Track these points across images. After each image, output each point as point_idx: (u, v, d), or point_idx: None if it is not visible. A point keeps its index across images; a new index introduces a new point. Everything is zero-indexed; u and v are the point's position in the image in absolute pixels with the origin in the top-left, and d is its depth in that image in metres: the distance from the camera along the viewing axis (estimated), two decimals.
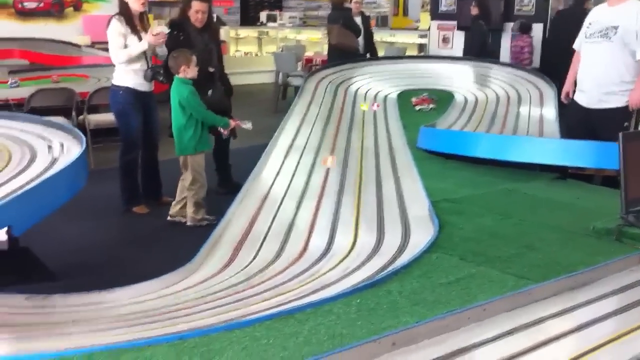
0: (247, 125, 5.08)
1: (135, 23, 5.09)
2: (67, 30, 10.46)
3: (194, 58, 4.90)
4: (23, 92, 6.77)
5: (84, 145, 3.71)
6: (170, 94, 4.94)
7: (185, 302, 2.75)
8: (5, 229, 3.09)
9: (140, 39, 5.06)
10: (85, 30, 10.72)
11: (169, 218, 5.10)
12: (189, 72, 4.85)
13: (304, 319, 2.22)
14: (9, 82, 7.19)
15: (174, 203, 5.13)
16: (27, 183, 3.31)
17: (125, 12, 5.05)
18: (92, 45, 10.04)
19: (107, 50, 5.31)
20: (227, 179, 5.91)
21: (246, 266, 3.33)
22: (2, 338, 2.55)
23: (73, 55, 9.29)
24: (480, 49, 8.97)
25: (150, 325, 2.45)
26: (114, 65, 5.20)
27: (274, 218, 3.89)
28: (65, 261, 4.18)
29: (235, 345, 2.03)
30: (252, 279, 3.09)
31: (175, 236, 4.81)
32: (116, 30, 5.04)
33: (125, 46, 5.04)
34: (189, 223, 4.98)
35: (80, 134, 3.92)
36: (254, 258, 3.44)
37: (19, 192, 3.14)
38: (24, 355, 2.08)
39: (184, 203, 5.07)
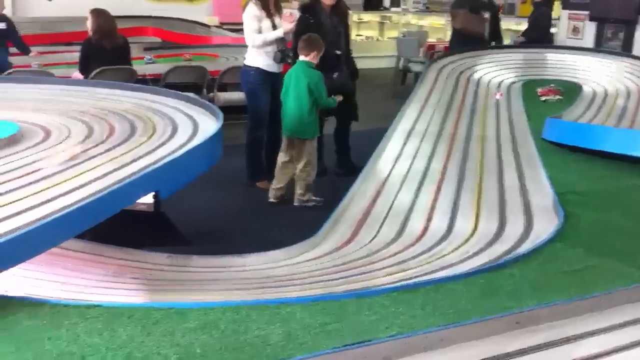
0: (339, 97, 5.20)
1: (270, 8, 5.31)
2: (197, 10, 10.93)
3: (321, 46, 5.03)
4: (158, 68, 7.22)
5: (221, 120, 3.96)
6: (290, 77, 5.04)
7: (313, 271, 2.94)
8: (152, 193, 3.39)
9: (273, 22, 5.29)
10: (215, 11, 11.20)
11: (270, 200, 5.16)
12: (312, 56, 4.99)
13: (429, 294, 2.35)
14: (145, 59, 7.67)
15: (275, 187, 5.17)
16: (171, 152, 3.58)
17: None
18: (221, 25, 10.50)
19: (234, 31, 5.59)
20: (345, 160, 6.06)
21: (368, 243, 3.49)
22: (148, 289, 2.84)
23: (202, 35, 9.75)
24: (544, 35, 8.73)
25: (284, 289, 2.65)
26: (242, 46, 5.46)
27: (394, 200, 4.02)
28: (195, 227, 4.48)
29: (366, 310, 2.19)
30: (374, 255, 3.24)
31: (288, 212, 5.00)
32: (252, 14, 5.29)
33: (260, 29, 5.28)
34: (296, 203, 5.08)
35: (218, 109, 4.18)
36: (375, 236, 3.59)
37: (165, 160, 3.41)
38: (176, 303, 2.31)
39: (286, 186, 5.15)
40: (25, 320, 2.03)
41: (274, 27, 5.31)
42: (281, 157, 5.17)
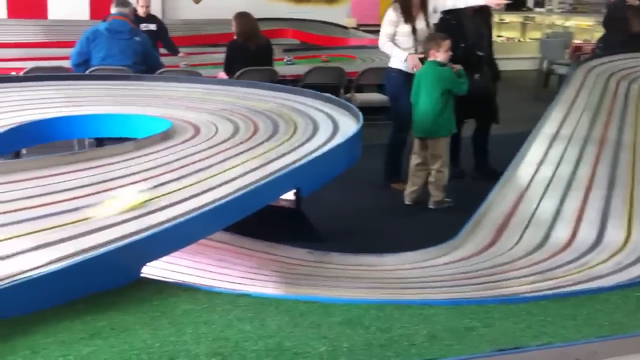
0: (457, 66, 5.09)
1: (411, 11, 5.27)
2: (336, 12, 11.07)
3: (446, 43, 5.00)
4: (297, 69, 7.40)
5: (361, 121, 4.00)
6: (420, 78, 5.06)
7: (454, 274, 2.91)
8: (294, 190, 3.48)
9: (414, 26, 5.25)
10: (353, 12, 11.32)
11: (406, 202, 5.17)
12: (439, 55, 4.96)
13: (580, 304, 2.25)
14: (284, 60, 7.89)
15: (410, 190, 5.16)
16: (313, 151, 3.67)
17: (402, 1, 5.27)
18: (358, 27, 10.59)
19: (372, 32, 5.63)
20: (483, 164, 5.93)
21: (510, 249, 3.40)
22: (289, 283, 2.91)
23: (340, 36, 9.89)
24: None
25: (425, 290, 2.64)
26: (379, 48, 5.49)
27: (537, 205, 3.89)
28: (330, 225, 4.54)
29: (512, 317, 2.13)
30: (517, 262, 3.15)
31: (422, 213, 4.95)
32: (388, 19, 5.32)
33: (394, 34, 5.27)
34: (431, 206, 5.05)
35: (357, 110, 4.22)
36: (517, 242, 3.48)
37: (307, 159, 3.50)
38: (321, 297, 2.36)
39: (419, 189, 5.14)
40: (182, 304, 2.15)
41: (414, 31, 5.28)
42: (414, 160, 5.17)
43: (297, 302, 2.24)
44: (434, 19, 5.41)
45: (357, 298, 2.32)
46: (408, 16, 5.28)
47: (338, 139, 3.85)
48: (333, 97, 4.92)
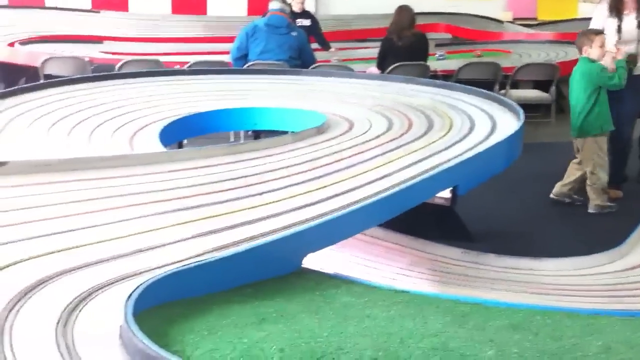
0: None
1: (620, 9, 5.00)
2: (491, 5, 10.76)
3: (599, 38, 4.73)
4: (449, 64, 7.28)
5: (522, 119, 3.87)
6: (573, 77, 4.87)
7: (623, 284, 2.74)
8: (450, 188, 3.43)
9: (619, 25, 4.97)
10: (509, 5, 10.96)
11: (551, 195, 5.01)
12: (591, 52, 4.73)
13: None
14: (436, 55, 7.77)
15: (560, 183, 4.98)
16: (470, 149, 3.59)
17: None
18: (513, 21, 10.25)
19: (528, 26, 5.40)
20: None
21: None
22: (445, 282, 2.87)
23: (494, 30, 9.60)
24: None
25: (592, 299, 2.51)
26: (537, 42, 5.28)
27: None
28: (483, 225, 4.42)
29: None
30: None
31: (582, 218, 4.71)
32: (597, 12, 5.10)
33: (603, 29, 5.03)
34: (591, 210, 4.80)
35: (519, 107, 4.08)
36: None
37: (465, 157, 3.43)
38: (483, 299, 2.30)
39: (571, 186, 4.93)
40: (343, 296, 2.18)
41: (619, 29, 5.00)
42: (575, 159, 4.98)
43: (458, 302, 2.20)
44: None
45: (520, 302, 2.25)
46: (616, 13, 5.03)
47: (497, 137, 3.75)
48: (492, 93, 4.80)
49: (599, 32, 4.82)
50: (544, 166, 5.48)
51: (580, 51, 4.84)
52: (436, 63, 7.31)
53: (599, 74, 4.73)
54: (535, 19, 9.91)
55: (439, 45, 8.56)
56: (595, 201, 4.80)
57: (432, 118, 4.25)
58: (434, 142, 3.75)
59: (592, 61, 4.77)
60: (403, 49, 6.40)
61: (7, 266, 2.01)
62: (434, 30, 9.70)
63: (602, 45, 4.76)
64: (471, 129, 3.97)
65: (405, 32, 6.42)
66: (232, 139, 6.43)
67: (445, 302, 2.19)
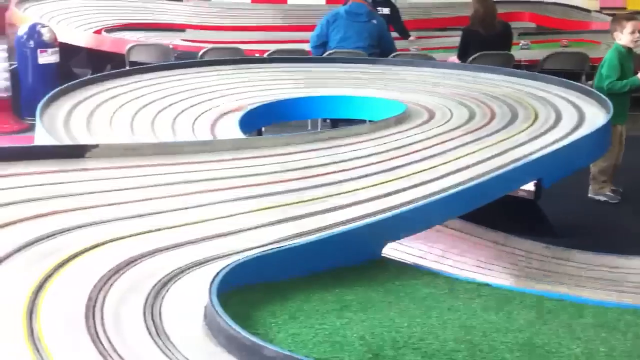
0: None
1: None
2: None
3: (631, 24, 4.57)
4: (534, 54, 7.09)
5: (612, 111, 3.72)
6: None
7: None
8: (535, 181, 3.34)
9: None
10: None
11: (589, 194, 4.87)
12: (622, 37, 4.63)
13: None
14: (520, 44, 7.58)
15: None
16: (556, 141, 3.48)
17: None
18: (601, 10, 9.86)
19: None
20: None
21: None
22: (526, 277, 2.80)
23: (581, 20, 9.29)
24: None
25: None
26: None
27: None
28: (565, 220, 4.29)
29: None
30: None
31: None
32: None
33: None
34: (589, 194, 4.79)
35: (606, 99, 3.93)
36: None
37: (550, 149, 3.33)
38: (569, 295, 2.24)
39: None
40: (423, 287, 2.16)
41: None
42: None
43: (542, 298, 2.14)
44: None
45: (608, 300, 2.17)
46: None
47: (584, 130, 3.63)
48: (579, 84, 4.64)
49: (632, 18, 4.64)
50: (634, 159, 5.26)
51: (613, 37, 4.69)
52: (520, 52, 7.13)
53: (606, 64, 4.64)
54: (624, 8, 9.49)
55: (522, 34, 8.34)
56: (593, 185, 4.77)
57: (515, 109, 4.15)
58: (518, 133, 3.66)
59: (618, 48, 4.64)
60: (487, 38, 6.27)
61: (97, 246, 2.08)
62: (518, 19, 9.46)
63: (633, 32, 4.58)
64: (557, 121, 3.85)
65: (489, 22, 6.28)
66: (309, 127, 6.46)
67: (529, 297, 2.13)
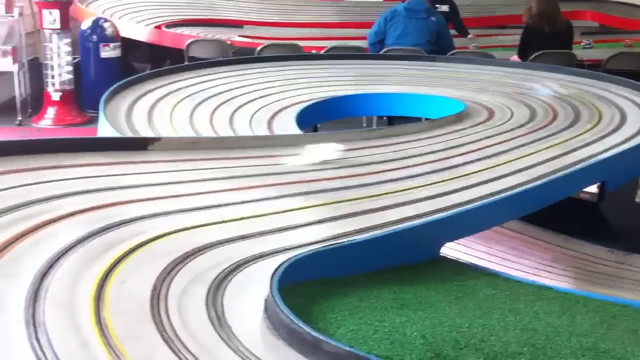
0: None
1: None
2: None
3: None
4: (596, 53, 6.91)
5: None
6: None
7: None
8: (598, 183, 3.26)
9: None
10: None
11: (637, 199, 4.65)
12: None
13: None
14: (582, 43, 7.41)
15: None
16: (620, 143, 3.40)
17: None
18: None
19: None
20: None
21: None
22: (588, 281, 2.73)
23: None
24: None
25: None
26: None
27: None
28: (628, 223, 4.17)
29: None
30: None
31: None
32: None
33: None
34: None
35: None
36: None
37: (615, 151, 3.25)
38: (633, 301, 2.18)
39: None
40: (483, 288, 2.13)
41: None
42: None
43: (606, 302, 2.09)
44: None
45: None
46: None
47: None
48: None
49: None
50: None
51: None
52: (582, 52, 6.96)
53: None
54: None
55: (584, 33, 8.15)
56: None
57: (578, 109, 4.06)
58: (581, 134, 3.58)
59: None
60: (550, 37, 6.14)
61: (159, 237, 2.12)
62: (580, 17, 9.26)
63: None
64: (622, 122, 3.75)
65: (554, 19, 6.15)
66: (364, 125, 6.45)
67: (593, 302, 2.08)
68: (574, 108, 4.07)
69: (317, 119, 4.71)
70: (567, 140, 3.49)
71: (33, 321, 1.54)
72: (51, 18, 6.83)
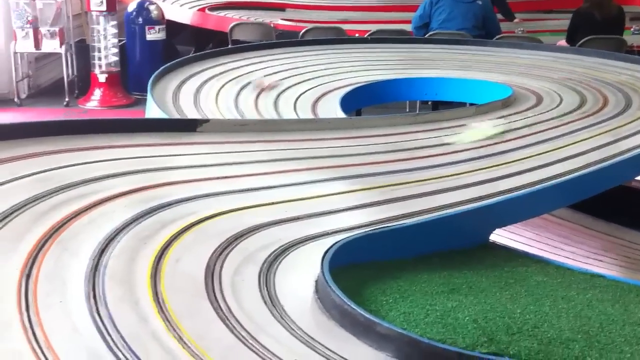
0: None
1: None
2: None
3: None
4: None
5: None
6: None
7: None
8: None
9: None
10: None
11: None
12: None
13: None
14: (632, 29, 7.22)
15: None
16: None
17: None
18: None
19: None
20: None
21: None
22: (636, 269, 2.68)
23: None
24: None
25: None
26: None
27: None
28: None
29: None
30: None
31: None
32: None
33: None
34: None
35: None
36: None
37: None
38: None
39: None
40: (534, 275, 2.11)
41: None
42: None
43: None
44: None
45: None
46: None
47: None
48: None
49: None
50: None
51: None
52: (632, 38, 6.78)
53: None
54: None
55: (634, 19, 7.94)
56: None
57: (630, 96, 3.96)
58: (633, 121, 3.50)
59: None
60: (599, 22, 6.00)
61: (210, 217, 2.14)
62: (630, 2, 9.01)
63: None
64: None
65: (606, 4, 6.01)
66: (407, 109, 6.40)
67: None
68: (625, 95, 3.98)
69: (361, 103, 4.69)
70: (618, 127, 3.41)
71: (93, 294, 1.58)
72: (98, 0, 6.92)
